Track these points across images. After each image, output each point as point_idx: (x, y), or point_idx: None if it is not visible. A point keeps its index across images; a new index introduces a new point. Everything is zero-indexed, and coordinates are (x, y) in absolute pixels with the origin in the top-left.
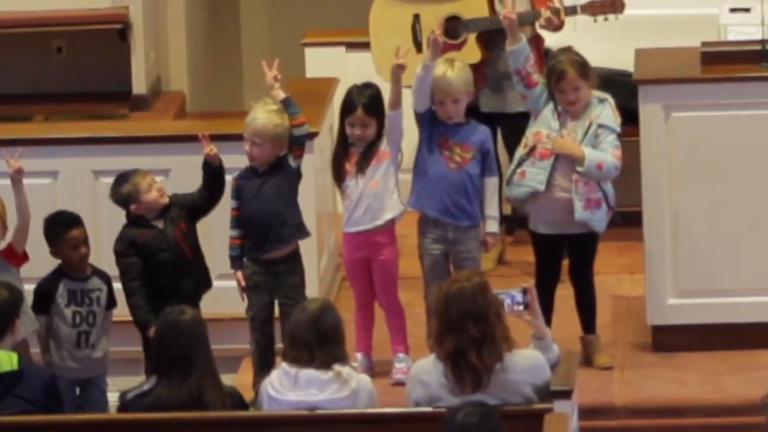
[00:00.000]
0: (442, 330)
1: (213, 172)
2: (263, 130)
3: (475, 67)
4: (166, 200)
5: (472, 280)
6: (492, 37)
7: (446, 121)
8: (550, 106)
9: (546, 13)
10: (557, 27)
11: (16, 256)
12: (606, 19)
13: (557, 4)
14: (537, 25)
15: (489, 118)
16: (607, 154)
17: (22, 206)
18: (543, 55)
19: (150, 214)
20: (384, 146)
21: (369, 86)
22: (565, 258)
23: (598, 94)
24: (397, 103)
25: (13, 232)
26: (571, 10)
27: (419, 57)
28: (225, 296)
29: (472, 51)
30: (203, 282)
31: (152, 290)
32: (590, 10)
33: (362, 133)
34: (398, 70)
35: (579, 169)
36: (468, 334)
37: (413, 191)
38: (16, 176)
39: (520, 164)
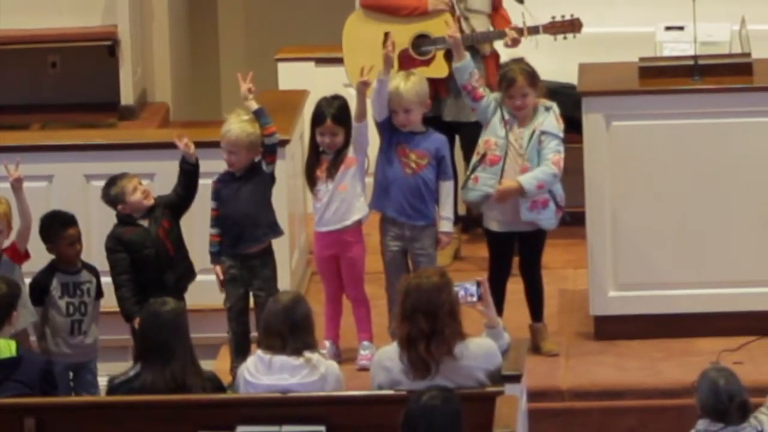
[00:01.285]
0: (400, 318)
1: (189, 168)
2: (237, 139)
3: (440, 80)
4: (151, 201)
5: (431, 279)
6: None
7: (401, 129)
8: (498, 114)
9: (512, 33)
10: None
11: (18, 254)
12: (565, 38)
13: (521, 25)
14: (503, 43)
15: (450, 127)
16: (547, 159)
17: (23, 211)
18: (499, 68)
19: (136, 213)
20: (351, 153)
21: (337, 98)
22: (516, 254)
23: (545, 102)
24: (362, 115)
25: (16, 234)
26: (534, 30)
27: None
28: (205, 289)
29: (440, 66)
30: (186, 274)
31: (138, 284)
32: (551, 29)
33: (331, 141)
34: (363, 87)
35: (527, 196)
36: (418, 327)
37: (374, 193)
38: (16, 184)
39: (473, 170)
